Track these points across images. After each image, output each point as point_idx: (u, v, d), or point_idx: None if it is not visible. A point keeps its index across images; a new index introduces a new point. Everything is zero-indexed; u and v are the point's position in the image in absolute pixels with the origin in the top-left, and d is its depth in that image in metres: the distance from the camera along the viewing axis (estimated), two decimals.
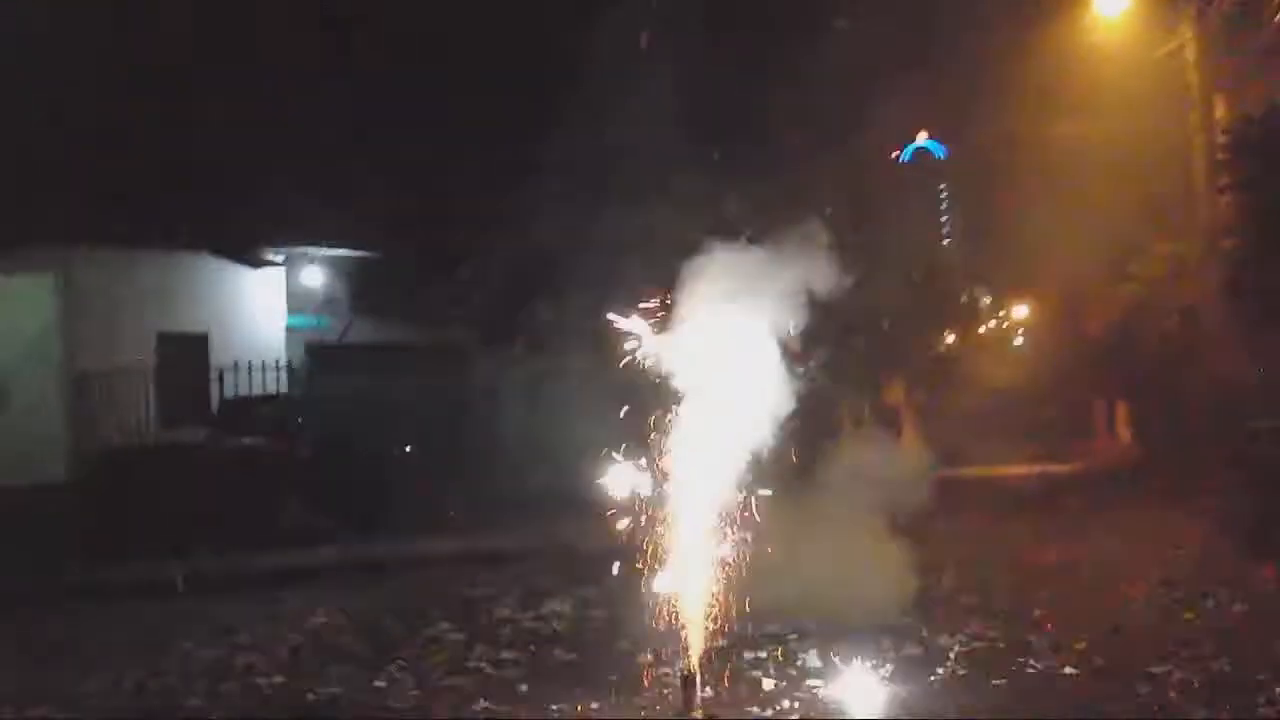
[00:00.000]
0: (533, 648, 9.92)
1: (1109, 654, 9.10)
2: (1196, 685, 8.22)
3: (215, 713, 8.52)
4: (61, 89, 19.48)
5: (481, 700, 8.44)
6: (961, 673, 8.81)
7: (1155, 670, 8.58)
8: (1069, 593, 11.52)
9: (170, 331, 20.96)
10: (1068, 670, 8.84)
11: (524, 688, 8.71)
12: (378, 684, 8.98)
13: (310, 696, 8.77)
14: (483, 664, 9.51)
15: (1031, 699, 8.21)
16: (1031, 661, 9.06)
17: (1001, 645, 9.52)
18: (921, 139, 55.70)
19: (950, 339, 33.70)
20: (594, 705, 8.12)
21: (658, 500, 8.17)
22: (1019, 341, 34.19)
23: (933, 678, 8.69)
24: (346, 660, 9.72)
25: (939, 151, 57.32)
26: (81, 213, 19.16)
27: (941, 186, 55.72)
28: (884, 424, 18.30)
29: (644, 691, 8.30)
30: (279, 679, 9.27)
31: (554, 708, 8.17)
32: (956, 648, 9.40)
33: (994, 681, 8.59)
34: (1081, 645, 9.34)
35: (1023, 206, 22.93)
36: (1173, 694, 8.12)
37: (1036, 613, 10.58)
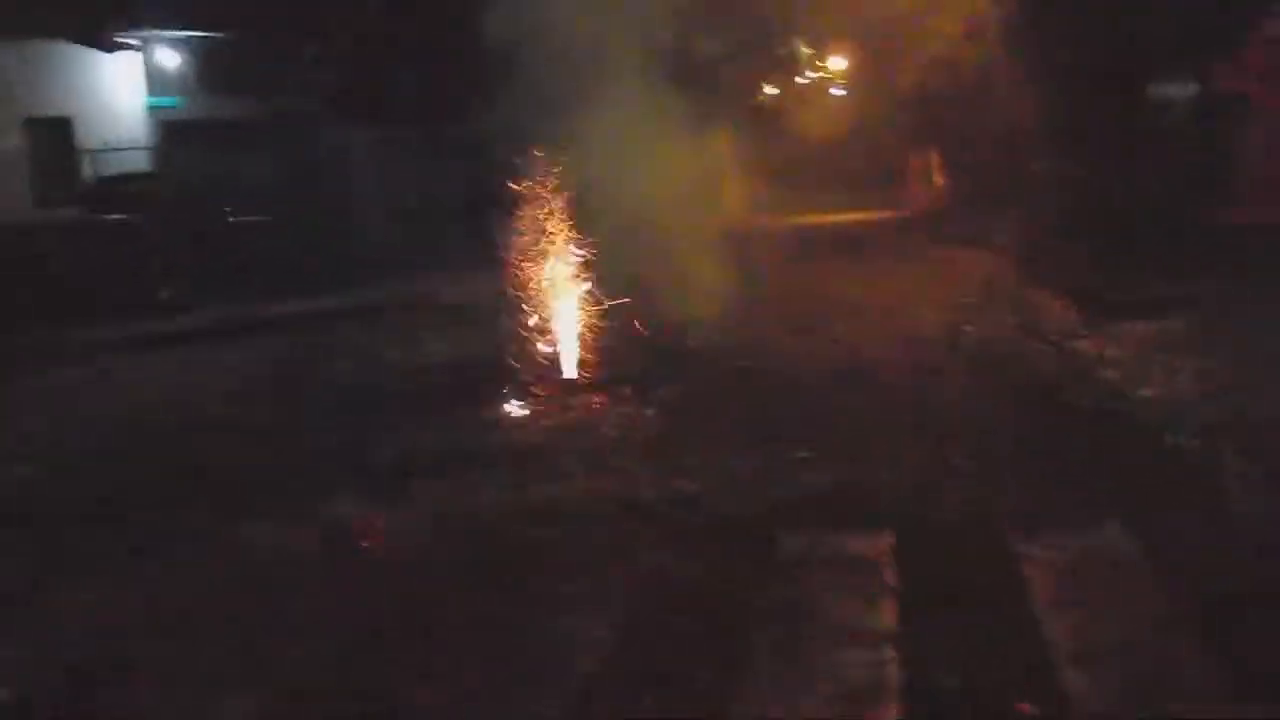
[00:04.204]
0: (419, 377, 11.78)
1: (899, 354, 11.64)
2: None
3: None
4: None
5: (384, 413, 10.38)
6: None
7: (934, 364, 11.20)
8: (866, 314, 13.99)
9: (37, 116, 21.78)
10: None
11: (421, 402, 10.68)
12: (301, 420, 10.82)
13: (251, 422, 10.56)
14: (381, 387, 11.46)
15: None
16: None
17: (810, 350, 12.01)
18: None
19: (770, 90, 34.78)
20: (484, 415, 10.10)
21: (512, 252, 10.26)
22: (837, 93, 35.32)
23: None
24: (268, 398, 11.50)
25: None
26: None
27: None
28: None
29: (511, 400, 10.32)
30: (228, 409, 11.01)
31: (456, 410, 10.17)
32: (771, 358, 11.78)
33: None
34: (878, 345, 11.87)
35: None
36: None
37: (839, 328, 13.08)
